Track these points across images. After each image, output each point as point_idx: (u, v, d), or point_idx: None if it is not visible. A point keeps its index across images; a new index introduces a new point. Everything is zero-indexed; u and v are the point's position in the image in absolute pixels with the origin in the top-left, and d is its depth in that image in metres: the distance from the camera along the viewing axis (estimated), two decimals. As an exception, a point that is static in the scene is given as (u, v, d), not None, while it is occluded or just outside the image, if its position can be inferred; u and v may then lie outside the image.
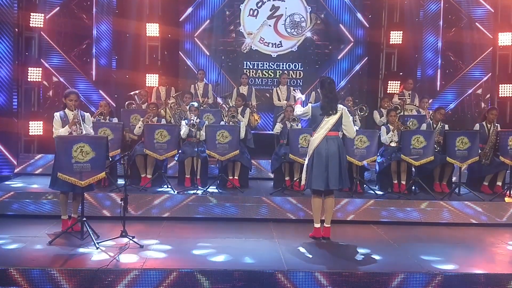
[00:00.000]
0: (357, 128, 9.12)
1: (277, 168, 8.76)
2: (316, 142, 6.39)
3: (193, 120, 8.41)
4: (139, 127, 8.61)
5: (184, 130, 8.64)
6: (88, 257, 5.68)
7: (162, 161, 8.55)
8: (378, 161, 8.73)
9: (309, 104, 6.63)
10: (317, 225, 6.59)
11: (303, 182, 6.60)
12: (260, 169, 9.90)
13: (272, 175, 9.12)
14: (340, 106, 6.50)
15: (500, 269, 5.67)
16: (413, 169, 8.45)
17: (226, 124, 8.91)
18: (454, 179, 9.01)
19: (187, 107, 9.36)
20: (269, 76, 12.85)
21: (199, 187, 8.18)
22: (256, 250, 6.09)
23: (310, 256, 5.98)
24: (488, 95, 11.79)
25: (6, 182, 8.81)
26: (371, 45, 12.89)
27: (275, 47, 12.85)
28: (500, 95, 11.29)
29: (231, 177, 8.73)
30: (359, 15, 12.89)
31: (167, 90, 11.18)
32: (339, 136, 6.51)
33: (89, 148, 6.14)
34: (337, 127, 6.45)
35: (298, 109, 6.71)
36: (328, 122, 6.39)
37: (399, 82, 12.00)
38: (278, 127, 9.15)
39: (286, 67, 12.83)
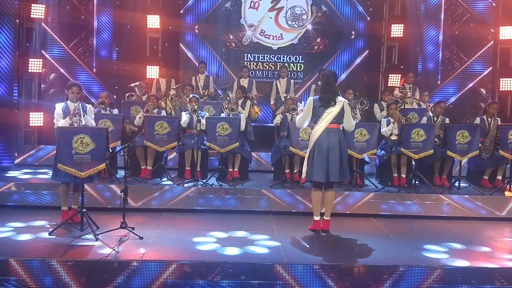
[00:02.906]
0: (357, 121, 9.14)
1: (277, 161, 8.76)
2: (317, 134, 6.38)
3: (194, 107, 8.40)
4: (140, 118, 8.63)
5: (185, 119, 8.63)
6: (87, 248, 5.69)
7: (162, 153, 8.55)
8: (378, 154, 8.73)
9: (310, 98, 6.63)
10: (317, 218, 6.60)
11: (303, 175, 6.59)
12: (260, 161, 9.91)
13: (272, 168, 9.12)
14: (340, 99, 6.48)
15: (499, 263, 5.67)
16: (413, 162, 8.45)
17: (227, 116, 8.91)
18: (454, 172, 9.01)
19: (188, 99, 9.36)
20: (269, 68, 12.83)
21: (199, 179, 8.18)
22: (255, 243, 6.10)
23: (310, 248, 5.99)
24: (489, 89, 11.78)
25: (6, 173, 8.82)
26: (372, 38, 12.86)
27: (276, 39, 12.82)
28: (500, 89, 11.28)
29: (231, 169, 8.73)
30: (360, 8, 12.86)
31: (167, 82, 11.17)
32: (340, 129, 6.50)
33: (89, 139, 6.14)
34: (338, 120, 6.44)
35: (298, 118, 6.75)
36: (329, 115, 6.38)
37: (400, 75, 11.99)
38: (278, 118, 9.17)
39: (286, 60, 12.80)
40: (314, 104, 6.47)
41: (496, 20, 11.47)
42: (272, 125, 9.90)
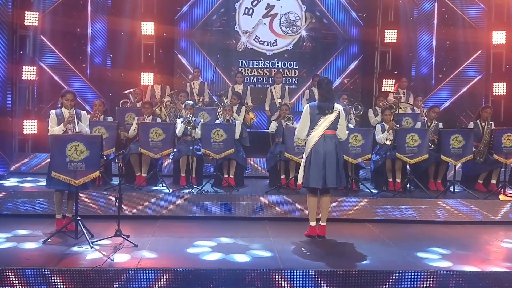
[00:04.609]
0: (352, 127, 9.16)
1: (272, 167, 8.76)
2: (313, 140, 6.38)
3: (189, 118, 8.41)
4: (134, 130, 8.63)
5: (179, 128, 8.63)
6: (82, 256, 5.66)
7: (157, 160, 8.54)
8: (373, 159, 8.74)
9: (306, 105, 6.61)
10: (313, 224, 6.59)
11: (300, 181, 6.57)
12: (255, 167, 9.90)
13: (267, 174, 9.11)
14: (337, 106, 6.50)
15: (494, 267, 5.68)
16: (408, 167, 8.46)
17: (222, 122, 8.90)
18: (449, 177, 9.03)
19: (182, 106, 9.35)
20: (264, 74, 12.85)
21: (194, 186, 8.17)
22: (251, 249, 6.09)
23: (306, 254, 5.98)
24: (483, 94, 11.83)
25: (0, 181, 8.77)
26: (365, 43, 12.90)
27: (270, 45, 12.84)
28: (494, 94, 11.34)
29: (226, 176, 8.73)
30: (353, 14, 12.89)
31: (162, 88, 11.16)
32: (336, 135, 6.51)
33: (83, 146, 6.12)
34: (334, 126, 6.44)
35: (297, 130, 6.73)
36: (326, 121, 6.39)
37: (393, 80, 12.03)
38: (273, 126, 9.16)
39: (281, 66, 12.82)
40: (311, 111, 6.47)
41: (488, 25, 11.54)
42: (267, 130, 9.89)
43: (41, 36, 10.57)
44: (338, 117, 6.45)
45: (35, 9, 10.23)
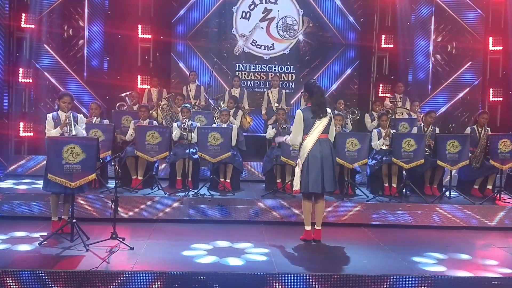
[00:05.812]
0: (348, 131, 9.17)
1: (268, 171, 8.76)
2: (309, 145, 6.37)
3: (185, 123, 8.40)
4: (131, 135, 8.63)
5: (175, 133, 8.63)
6: (78, 259, 5.64)
7: (153, 163, 8.52)
8: (369, 164, 8.75)
9: (298, 111, 6.55)
10: (308, 228, 6.59)
11: (297, 187, 6.48)
12: (251, 171, 9.90)
13: (263, 178, 9.11)
14: (328, 109, 6.52)
15: (490, 272, 5.68)
16: (404, 172, 8.48)
17: (218, 126, 8.90)
18: (444, 182, 9.04)
19: (179, 109, 9.35)
20: (261, 78, 12.86)
21: (190, 189, 8.16)
22: (246, 253, 6.08)
23: (301, 258, 5.98)
24: (479, 99, 11.86)
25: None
26: (362, 48, 12.93)
27: (268, 49, 12.86)
28: (491, 99, 11.37)
29: (222, 179, 8.73)
30: (351, 19, 12.92)
31: (158, 91, 11.16)
32: (329, 138, 6.52)
33: (79, 149, 6.12)
34: (327, 130, 6.46)
35: (289, 138, 6.68)
36: (320, 125, 6.39)
37: (390, 85, 12.05)
38: (271, 133, 9.08)
39: (278, 70, 12.83)
40: (304, 116, 6.45)
41: (485, 31, 11.58)
42: (264, 134, 9.90)
43: (38, 39, 10.56)
44: (330, 120, 6.48)
45: (32, 12, 10.24)
